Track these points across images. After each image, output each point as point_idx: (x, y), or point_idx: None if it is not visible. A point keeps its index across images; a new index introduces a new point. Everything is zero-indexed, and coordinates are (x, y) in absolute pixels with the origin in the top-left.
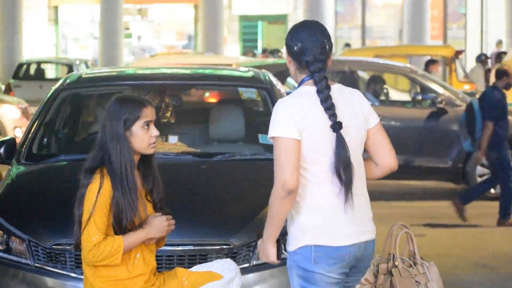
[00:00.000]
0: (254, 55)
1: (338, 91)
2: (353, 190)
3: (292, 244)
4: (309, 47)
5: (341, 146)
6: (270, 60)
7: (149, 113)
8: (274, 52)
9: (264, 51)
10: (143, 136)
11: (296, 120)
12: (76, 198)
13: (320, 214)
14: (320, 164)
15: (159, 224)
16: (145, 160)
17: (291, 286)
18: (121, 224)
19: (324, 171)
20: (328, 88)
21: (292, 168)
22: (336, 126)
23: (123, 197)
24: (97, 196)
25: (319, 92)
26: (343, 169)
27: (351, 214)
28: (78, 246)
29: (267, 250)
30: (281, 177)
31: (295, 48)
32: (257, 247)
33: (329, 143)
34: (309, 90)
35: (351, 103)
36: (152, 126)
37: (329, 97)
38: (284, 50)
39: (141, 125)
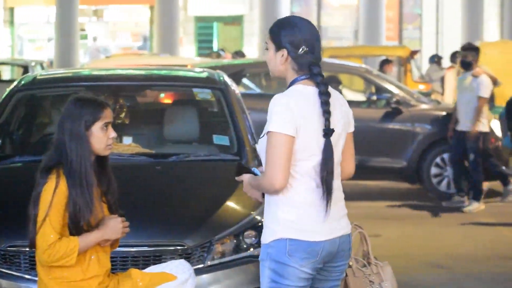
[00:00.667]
0: (219, 55)
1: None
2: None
3: (267, 237)
4: (314, 49)
5: (329, 153)
6: (225, 60)
7: (108, 114)
8: (239, 54)
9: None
10: (101, 137)
11: (295, 117)
12: (31, 198)
13: (297, 209)
14: (305, 162)
15: (115, 226)
16: (100, 161)
17: (261, 279)
18: (78, 224)
19: (307, 168)
20: (328, 93)
21: (283, 166)
22: (328, 132)
23: (82, 197)
24: (53, 196)
25: (321, 94)
26: (327, 174)
27: (327, 212)
28: (32, 246)
29: (252, 191)
30: (271, 174)
31: (300, 50)
32: (243, 185)
33: (317, 145)
34: (306, 89)
35: (340, 104)
36: (110, 128)
37: (329, 102)
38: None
39: (100, 126)
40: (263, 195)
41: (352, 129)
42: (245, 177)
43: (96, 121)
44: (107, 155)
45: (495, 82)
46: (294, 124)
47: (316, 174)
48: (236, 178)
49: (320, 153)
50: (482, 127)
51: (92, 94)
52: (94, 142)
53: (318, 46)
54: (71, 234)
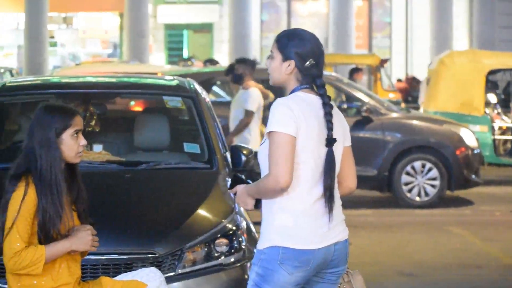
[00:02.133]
0: (191, 63)
1: None
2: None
3: (262, 243)
4: (319, 62)
5: (332, 161)
6: (195, 68)
7: (78, 122)
8: (211, 62)
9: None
10: (72, 145)
11: (296, 120)
12: (0, 205)
13: (294, 216)
14: (302, 165)
15: (84, 237)
16: (70, 169)
17: (248, 281)
18: (48, 232)
19: (303, 174)
20: (331, 104)
21: (288, 164)
22: (331, 141)
23: (52, 204)
24: (21, 203)
25: (325, 104)
26: (331, 182)
27: (330, 219)
28: (0, 253)
29: (247, 200)
30: (276, 172)
31: (308, 63)
32: (236, 195)
33: (314, 151)
34: (308, 96)
35: (339, 118)
36: (81, 135)
37: (332, 112)
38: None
39: (70, 134)
40: (256, 204)
41: (348, 143)
42: (239, 188)
43: (67, 128)
44: (77, 162)
45: (266, 97)
46: (295, 125)
47: (313, 181)
48: (229, 190)
49: (316, 160)
50: (246, 142)
51: (61, 102)
52: (65, 149)
53: (322, 60)
54: (40, 242)
